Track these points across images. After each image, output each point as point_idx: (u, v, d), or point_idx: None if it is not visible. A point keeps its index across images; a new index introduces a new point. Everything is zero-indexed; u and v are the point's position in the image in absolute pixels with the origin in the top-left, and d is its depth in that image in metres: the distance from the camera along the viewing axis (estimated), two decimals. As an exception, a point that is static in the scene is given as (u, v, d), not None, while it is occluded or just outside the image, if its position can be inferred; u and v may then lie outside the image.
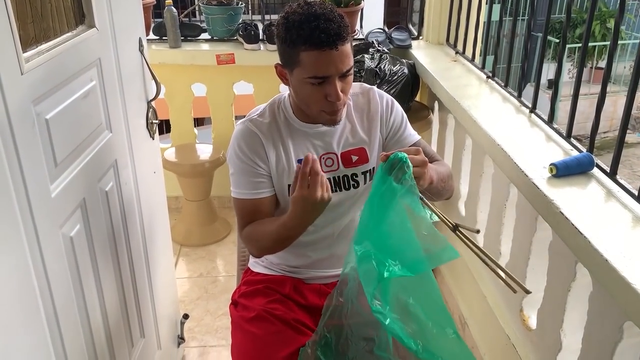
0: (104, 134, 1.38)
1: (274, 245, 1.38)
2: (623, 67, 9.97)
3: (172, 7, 2.82)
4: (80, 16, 1.28)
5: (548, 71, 9.48)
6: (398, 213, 1.12)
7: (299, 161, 1.40)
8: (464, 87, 2.26)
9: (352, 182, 1.45)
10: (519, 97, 2.03)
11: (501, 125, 1.87)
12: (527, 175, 1.50)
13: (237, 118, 3.26)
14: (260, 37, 2.91)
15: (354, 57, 2.67)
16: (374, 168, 1.46)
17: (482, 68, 2.37)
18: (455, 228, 1.21)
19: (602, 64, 9.94)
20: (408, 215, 1.13)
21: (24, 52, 1.02)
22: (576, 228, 1.26)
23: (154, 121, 1.72)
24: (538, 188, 1.44)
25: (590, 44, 10.19)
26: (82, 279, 1.25)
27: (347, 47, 1.24)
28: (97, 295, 1.34)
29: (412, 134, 1.50)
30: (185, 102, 3.07)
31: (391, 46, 2.88)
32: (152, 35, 3.00)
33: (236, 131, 1.43)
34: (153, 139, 1.74)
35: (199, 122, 5.29)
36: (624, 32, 9.61)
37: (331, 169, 1.43)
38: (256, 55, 2.86)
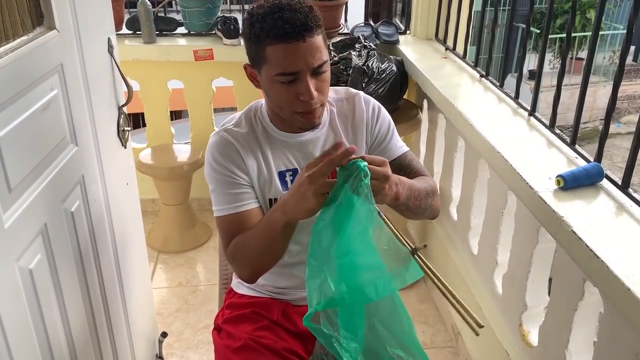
0: (68, 148, 1.24)
1: (260, 251, 1.21)
2: (602, 58, 10.00)
3: (147, 1, 2.65)
4: (38, 16, 1.13)
5: (529, 62, 9.45)
6: (357, 224, 1.03)
7: (280, 174, 1.29)
8: (456, 86, 2.15)
9: None
10: (516, 98, 1.92)
11: (498, 128, 1.76)
12: (532, 188, 1.40)
13: (216, 111, 3.11)
14: (241, 32, 2.76)
15: (340, 53, 2.56)
16: None
17: (475, 66, 2.26)
18: (414, 252, 1.08)
19: (582, 54, 9.95)
20: (367, 227, 1.04)
21: (-33, 62, 0.87)
22: (591, 250, 1.16)
23: (125, 128, 1.58)
24: (545, 203, 1.33)
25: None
26: (44, 311, 1.11)
27: (318, 40, 1.12)
28: (61, 325, 1.20)
29: (399, 146, 1.38)
30: (161, 100, 2.91)
31: (378, 41, 2.75)
32: (125, 30, 2.83)
33: (210, 143, 1.29)
34: (125, 147, 1.59)
35: (176, 114, 5.09)
36: (603, 22, 9.62)
37: None
38: (236, 51, 2.70)
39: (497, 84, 2.05)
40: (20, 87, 1.03)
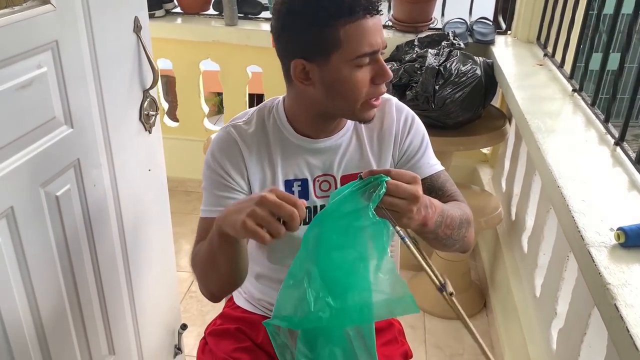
0: (59, 130, 1.18)
1: (202, 269, 1.06)
2: None
3: (231, -19, 2.60)
4: (32, -11, 1.08)
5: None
6: (357, 241, 0.92)
7: (287, 183, 1.13)
8: (542, 100, 1.84)
9: None
10: (605, 121, 1.59)
11: (573, 158, 1.46)
12: (582, 238, 1.12)
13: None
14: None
15: (422, 49, 2.33)
16: None
17: (570, 78, 1.92)
18: (442, 288, 0.90)
19: None
20: (367, 247, 0.92)
21: None
22: (631, 336, 0.88)
23: (151, 113, 1.51)
24: (593, 260, 1.05)
25: None
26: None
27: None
28: (29, 315, 1.16)
29: (432, 164, 1.17)
30: (240, 84, 2.86)
31: (470, 40, 2.47)
32: (212, 11, 2.81)
33: (214, 138, 1.18)
34: (150, 132, 1.53)
35: (258, 98, 5.01)
36: None
37: (326, 194, 1.15)
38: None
39: (589, 101, 1.72)
40: (-9, 62, 0.98)
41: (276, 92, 2.79)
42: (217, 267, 1.01)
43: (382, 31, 1.01)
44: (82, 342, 1.36)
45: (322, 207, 1.14)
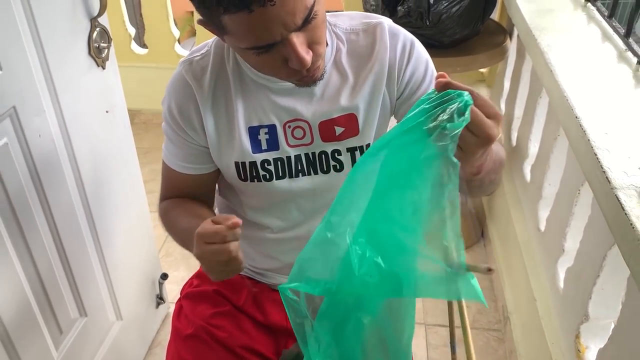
0: (-17, 73, 0.98)
1: (172, 236, 1.04)
2: None
3: None
4: None
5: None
6: (422, 182, 0.66)
7: (251, 130, 0.94)
8: (550, 12, 1.62)
9: (332, 163, 0.97)
10: (626, 36, 1.39)
11: (590, 80, 1.27)
12: (608, 180, 0.96)
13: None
14: None
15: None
16: (369, 145, 0.97)
17: (583, -16, 1.70)
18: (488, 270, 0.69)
19: None
20: (437, 196, 0.66)
21: None
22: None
23: (102, 45, 1.29)
24: (621, 206, 0.90)
25: None
26: None
27: None
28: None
29: None
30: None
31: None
32: None
33: (171, 77, 0.98)
34: (103, 67, 1.32)
35: None
36: None
37: (302, 142, 0.96)
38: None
39: (606, 13, 1.51)
40: None
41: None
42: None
43: (296, 5, 0.73)
44: (44, 309, 1.23)
45: (296, 157, 0.97)
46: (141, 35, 2.91)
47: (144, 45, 2.86)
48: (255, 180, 0.97)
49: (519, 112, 2.05)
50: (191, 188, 1.03)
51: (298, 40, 0.76)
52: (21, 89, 1.07)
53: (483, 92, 2.64)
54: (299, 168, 0.98)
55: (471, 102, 0.64)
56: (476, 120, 0.64)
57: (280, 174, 0.97)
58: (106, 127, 1.38)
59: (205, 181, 1.03)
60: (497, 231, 2.09)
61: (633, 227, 0.86)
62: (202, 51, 0.97)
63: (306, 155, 0.97)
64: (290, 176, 0.98)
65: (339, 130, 0.96)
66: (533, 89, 1.85)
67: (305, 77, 0.84)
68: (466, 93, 0.64)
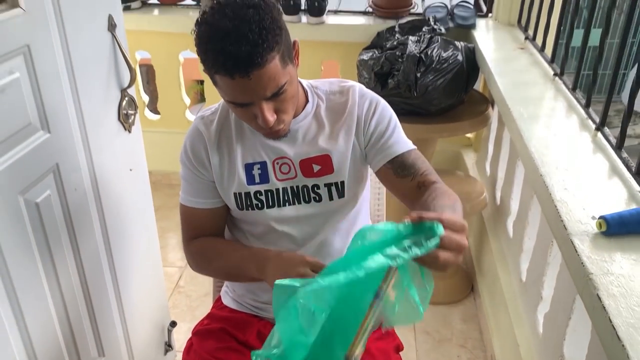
0: (36, 136, 1.16)
1: (219, 274, 1.33)
2: None
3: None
4: (0, -7, 1.05)
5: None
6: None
7: (247, 166, 1.17)
8: (524, 86, 1.84)
9: (312, 195, 1.18)
10: (587, 106, 1.59)
11: (555, 145, 1.46)
12: (565, 228, 1.12)
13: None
14: (302, 7, 2.59)
15: (404, 36, 2.31)
16: (342, 182, 1.18)
17: (551, 62, 1.92)
18: None
19: None
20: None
21: None
22: (613, 326, 0.89)
23: (129, 112, 1.49)
24: (575, 250, 1.06)
25: None
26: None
27: (270, 69, 0.96)
28: (15, 326, 1.15)
29: (402, 142, 1.17)
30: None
31: (451, 25, 2.46)
32: (189, 1, 2.76)
33: (188, 129, 1.23)
34: (130, 131, 1.51)
35: None
36: None
37: (288, 177, 1.18)
38: (296, 29, 2.54)
39: (570, 86, 1.72)
40: (-39, 71, 0.95)
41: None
42: (237, 280, 1.29)
43: (268, 83, 0.98)
44: (69, 346, 1.35)
45: (283, 190, 1.18)
46: (154, 102, 3.14)
47: (154, 111, 3.08)
48: (250, 208, 1.19)
49: (501, 173, 2.23)
50: (209, 223, 1.24)
51: (266, 106, 1.01)
52: (64, 149, 1.25)
53: (470, 155, 2.84)
54: (286, 198, 1.18)
55: (440, 230, 0.76)
56: (448, 242, 0.77)
57: (270, 204, 1.18)
58: (129, 183, 1.55)
59: (218, 215, 1.24)
60: (486, 285, 2.23)
61: (583, 265, 1.02)
62: (212, 109, 1.23)
63: (291, 187, 1.18)
64: (279, 205, 1.19)
65: (316, 167, 1.17)
66: (512, 152, 2.04)
67: (269, 132, 1.09)
68: (437, 224, 0.77)
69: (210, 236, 1.25)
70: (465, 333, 2.16)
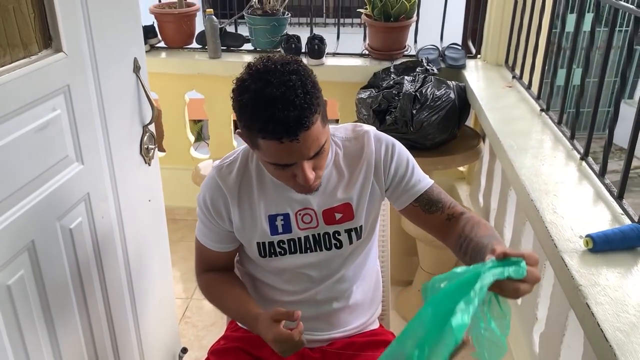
0: (71, 167, 1.26)
1: (226, 313, 1.38)
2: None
3: (213, 17, 2.72)
4: (46, 39, 1.17)
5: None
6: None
7: (270, 218, 1.23)
8: (513, 121, 1.98)
9: (333, 242, 1.26)
10: (572, 138, 1.73)
11: (544, 174, 1.59)
12: (556, 246, 1.24)
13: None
14: (303, 50, 2.75)
15: (399, 76, 2.47)
16: (361, 227, 1.25)
17: (538, 98, 2.07)
18: None
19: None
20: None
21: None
22: (601, 330, 1.00)
23: (150, 146, 1.60)
24: (566, 265, 1.17)
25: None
26: (23, 329, 1.13)
27: (314, 130, 1.03)
28: (49, 344, 1.23)
29: (422, 180, 1.26)
30: (225, 114, 2.96)
31: (443, 65, 2.62)
32: (195, 44, 2.92)
33: (207, 177, 1.27)
34: (149, 165, 1.62)
35: None
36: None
37: (309, 226, 1.24)
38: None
39: (556, 120, 1.87)
40: (15, 107, 1.06)
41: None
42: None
43: (313, 143, 1.04)
44: (93, 366, 1.43)
45: (305, 238, 1.24)
46: (159, 139, 3.26)
47: (161, 149, 3.20)
48: (273, 256, 1.25)
49: (494, 204, 2.35)
50: (220, 261, 1.33)
51: (308, 165, 1.08)
52: (94, 179, 1.35)
53: (464, 188, 2.96)
54: (307, 246, 1.25)
55: (524, 265, 0.85)
56: (530, 274, 0.86)
57: (292, 251, 1.25)
58: (147, 213, 1.65)
59: (230, 255, 1.34)
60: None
61: (573, 278, 1.13)
62: (231, 158, 1.27)
63: (313, 235, 1.25)
64: (301, 252, 1.25)
65: (338, 215, 1.24)
66: (504, 182, 2.17)
67: (305, 189, 1.15)
68: (522, 260, 0.86)
69: (220, 271, 1.33)
70: (465, 358, 2.23)
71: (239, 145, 3.11)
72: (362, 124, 1.31)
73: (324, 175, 1.21)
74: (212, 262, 1.33)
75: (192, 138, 3.09)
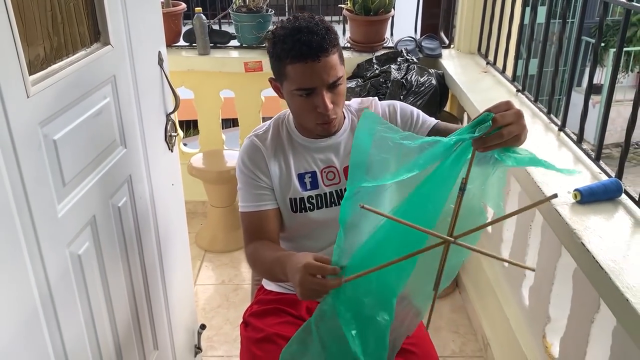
0: (117, 150, 1.39)
1: (266, 277, 1.48)
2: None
3: (202, 15, 2.84)
4: (95, 34, 1.29)
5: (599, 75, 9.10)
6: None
7: (300, 176, 1.41)
8: (493, 101, 2.15)
9: None
10: (548, 113, 1.95)
11: (527, 144, 1.79)
12: (550, 201, 1.44)
13: (264, 119, 3.26)
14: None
15: (382, 66, 2.65)
16: None
17: (513, 80, 2.29)
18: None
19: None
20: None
21: (33, 74, 1.03)
22: (597, 261, 1.20)
23: (172, 134, 1.73)
24: (560, 215, 1.37)
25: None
26: (90, 294, 1.26)
27: (333, 59, 1.26)
28: (106, 309, 1.35)
29: (428, 120, 1.46)
30: (214, 108, 3.08)
31: (421, 55, 2.82)
32: (182, 42, 3.02)
33: (242, 146, 1.45)
34: (172, 151, 1.74)
35: (234, 122, 5.33)
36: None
37: (333, 182, 1.42)
38: (284, 63, 2.84)
39: (532, 98, 2.08)
40: (78, 95, 1.19)
41: (249, 114, 3.06)
42: (269, 279, 1.49)
43: (331, 70, 1.24)
44: (137, 337, 1.55)
45: (330, 194, 1.40)
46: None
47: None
48: (302, 211, 1.41)
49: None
50: (267, 225, 1.41)
51: (326, 95, 1.28)
52: (135, 162, 1.47)
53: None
54: (332, 201, 1.42)
55: (491, 115, 0.97)
56: (501, 118, 1.00)
57: (319, 206, 1.41)
58: (171, 196, 1.77)
59: (274, 216, 1.42)
60: (470, 280, 2.52)
61: (567, 224, 1.33)
62: (264, 127, 1.46)
63: (336, 191, 1.42)
64: (327, 207, 1.42)
65: None
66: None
67: (324, 124, 1.32)
68: (485, 113, 0.99)
69: (265, 240, 1.41)
70: (456, 321, 2.44)
71: (227, 139, 3.23)
72: (366, 97, 1.53)
73: (343, 138, 1.41)
74: (259, 228, 1.41)
75: (181, 133, 3.19)
